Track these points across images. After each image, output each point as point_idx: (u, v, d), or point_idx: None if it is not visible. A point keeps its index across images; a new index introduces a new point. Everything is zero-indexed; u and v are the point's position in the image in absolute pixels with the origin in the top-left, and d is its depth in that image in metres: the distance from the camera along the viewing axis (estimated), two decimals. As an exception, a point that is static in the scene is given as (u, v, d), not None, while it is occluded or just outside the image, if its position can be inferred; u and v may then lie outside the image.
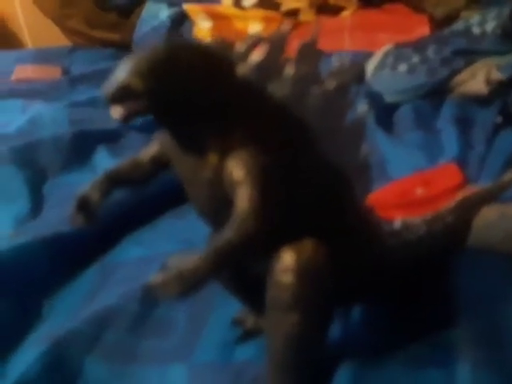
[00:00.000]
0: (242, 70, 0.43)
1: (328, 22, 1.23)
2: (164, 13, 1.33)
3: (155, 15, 1.33)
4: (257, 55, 0.43)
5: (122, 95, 0.40)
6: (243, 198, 0.40)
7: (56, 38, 1.46)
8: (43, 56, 1.30)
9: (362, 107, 0.47)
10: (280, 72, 0.44)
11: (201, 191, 0.43)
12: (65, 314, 0.58)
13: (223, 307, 0.54)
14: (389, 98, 0.93)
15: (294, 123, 0.44)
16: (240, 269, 0.47)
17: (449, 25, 1.08)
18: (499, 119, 0.83)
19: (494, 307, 0.49)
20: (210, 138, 0.42)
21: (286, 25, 0.44)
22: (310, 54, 0.44)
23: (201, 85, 0.41)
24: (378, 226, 0.50)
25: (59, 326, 0.55)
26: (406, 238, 0.51)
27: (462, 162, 0.74)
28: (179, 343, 0.52)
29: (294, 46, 0.44)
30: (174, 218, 0.69)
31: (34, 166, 0.81)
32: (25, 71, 1.21)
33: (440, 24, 1.14)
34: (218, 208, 0.43)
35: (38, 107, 0.99)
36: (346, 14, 1.29)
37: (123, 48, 1.33)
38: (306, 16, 1.30)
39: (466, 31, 0.99)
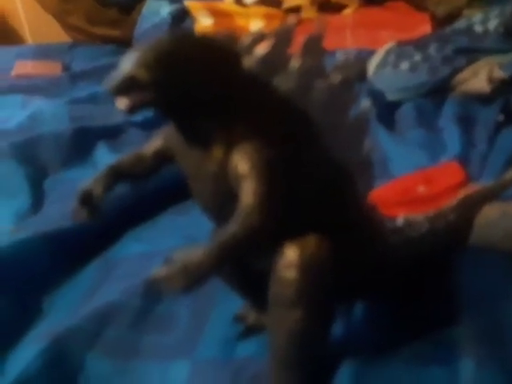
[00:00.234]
0: (248, 63, 0.43)
1: (330, 19, 1.22)
2: (165, 9, 1.33)
3: (156, 12, 1.33)
4: (262, 48, 0.43)
5: (127, 86, 0.40)
6: (248, 192, 0.39)
7: (56, 34, 1.46)
8: (43, 52, 1.29)
9: (365, 103, 0.47)
10: (285, 65, 0.43)
11: (205, 185, 0.43)
12: (65, 310, 0.57)
13: (225, 303, 0.54)
14: (391, 96, 0.92)
15: (299, 117, 0.43)
16: (243, 265, 0.46)
17: (451, 23, 1.08)
18: (501, 117, 0.83)
19: (496, 305, 0.49)
20: (214, 131, 0.42)
21: (292, 19, 0.44)
22: (316, 48, 0.43)
23: (206, 77, 0.41)
24: (380, 222, 0.50)
25: (60, 323, 0.54)
26: (408, 236, 0.51)
27: (463, 160, 0.74)
28: (181, 339, 0.52)
29: (297, 42, 0.44)
30: (176, 214, 0.69)
31: (35, 161, 0.81)
32: (25, 67, 1.21)
33: (442, 22, 1.14)
34: (222, 203, 0.43)
35: (38, 103, 0.99)
36: (347, 11, 1.29)
37: (124, 44, 1.33)
38: (308, 13, 1.30)
39: (468, 29, 0.99)
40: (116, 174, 0.47)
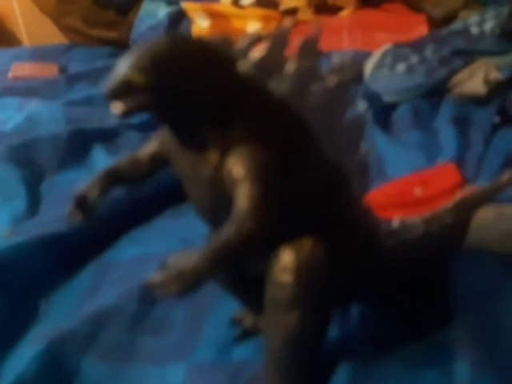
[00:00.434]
0: (243, 66, 0.43)
1: (327, 21, 1.23)
2: (162, 11, 1.33)
3: (153, 13, 1.33)
4: (258, 51, 0.43)
5: (122, 90, 0.40)
6: (243, 196, 0.39)
7: (53, 36, 1.45)
8: (40, 54, 1.29)
9: (361, 105, 0.47)
10: (281, 68, 0.43)
11: (200, 189, 0.43)
12: (62, 313, 0.57)
13: (221, 307, 0.54)
14: (387, 98, 0.92)
15: (295, 120, 0.44)
16: (239, 268, 0.46)
17: (447, 25, 1.09)
18: (497, 119, 0.83)
19: (492, 307, 0.49)
20: (210, 135, 0.42)
21: (288, 22, 0.44)
22: (312, 50, 0.43)
23: (202, 80, 0.41)
24: (376, 225, 0.50)
25: (56, 325, 0.54)
26: (404, 238, 0.51)
27: (460, 161, 0.74)
28: (177, 342, 0.52)
29: (294, 44, 0.44)
30: (172, 218, 0.69)
31: (31, 164, 0.80)
32: (22, 69, 1.21)
33: (438, 24, 1.14)
34: (217, 206, 0.43)
35: (34, 105, 0.98)
36: (344, 13, 1.29)
37: (121, 46, 1.33)
38: (305, 15, 1.30)
39: (465, 31, 1.00)
40: (111, 178, 0.47)
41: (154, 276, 0.38)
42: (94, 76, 1.13)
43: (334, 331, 0.48)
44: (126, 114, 0.41)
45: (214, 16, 1.28)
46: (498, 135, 0.80)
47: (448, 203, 0.54)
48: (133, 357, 0.51)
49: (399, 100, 0.92)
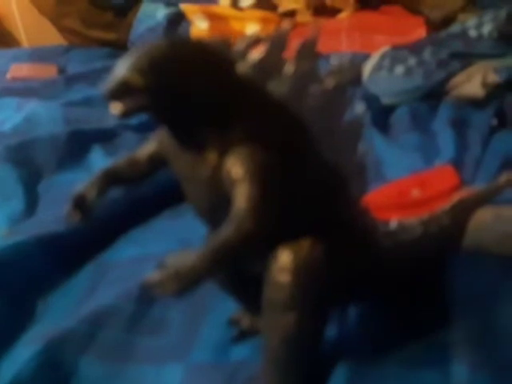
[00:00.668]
0: (242, 67, 0.43)
1: (325, 23, 1.23)
2: (161, 12, 1.33)
3: (152, 15, 1.33)
4: (257, 53, 0.43)
5: (121, 91, 0.40)
6: (241, 197, 0.40)
7: (52, 37, 1.45)
8: (39, 55, 1.29)
9: (359, 107, 0.47)
10: (280, 70, 0.44)
11: (199, 189, 0.43)
12: (60, 313, 0.57)
13: (219, 307, 0.54)
14: (385, 100, 0.93)
15: (293, 122, 0.44)
16: (237, 268, 0.47)
17: (445, 27, 1.09)
18: (495, 121, 0.83)
19: (490, 308, 0.49)
20: (208, 135, 0.42)
21: (287, 24, 0.44)
22: (310, 53, 0.44)
23: (200, 82, 0.41)
24: (374, 226, 0.50)
25: (54, 325, 0.54)
26: (402, 239, 0.51)
27: (457, 163, 0.74)
28: (175, 343, 0.52)
29: (292, 46, 0.44)
30: (170, 218, 0.69)
31: (29, 164, 0.80)
32: (20, 70, 1.21)
33: (437, 26, 1.15)
34: (215, 207, 0.43)
35: (33, 106, 0.98)
36: (343, 15, 1.30)
37: (119, 47, 1.33)
38: (303, 17, 1.30)
39: (463, 34, 1.00)
40: (110, 178, 0.47)
41: (153, 275, 0.38)
42: (93, 77, 1.13)
43: (332, 332, 0.48)
44: (125, 114, 0.41)
45: (213, 18, 1.28)
46: (495, 137, 0.80)
47: (446, 205, 0.54)
48: (131, 357, 0.51)
49: (397, 102, 0.92)
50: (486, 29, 0.98)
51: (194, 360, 0.50)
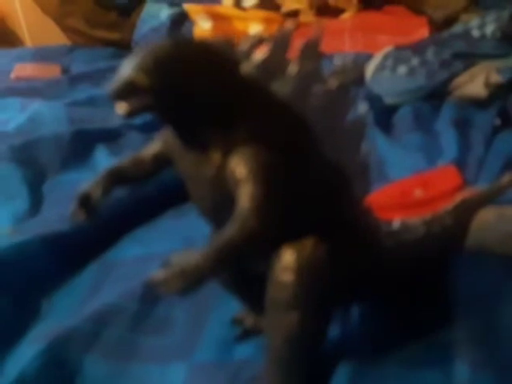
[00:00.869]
0: (246, 67, 0.43)
1: (328, 23, 1.23)
2: (164, 12, 1.33)
3: (156, 15, 1.34)
4: (261, 53, 0.43)
5: (126, 91, 0.40)
6: (245, 196, 0.40)
7: (55, 37, 1.46)
8: (43, 54, 1.30)
9: (362, 107, 0.47)
10: (283, 70, 0.44)
11: (203, 189, 0.44)
12: (64, 311, 0.58)
13: (223, 306, 0.54)
14: (388, 100, 0.93)
15: (297, 121, 0.44)
16: (240, 268, 0.47)
17: (448, 27, 1.09)
18: (498, 121, 0.84)
19: (491, 307, 0.49)
20: (213, 135, 0.42)
21: (290, 24, 0.44)
22: (313, 53, 0.44)
23: (205, 81, 0.41)
24: (376, 226, 0.50)
25: (58, 324, 0.55)
26: (405, 239, 0.51)
27: (460, 163, 0.74)
28: (179, 342, 0.52)
29: (295, 46, 0.44)
30: (174, 217, 0.69)
31: (34, 164, 0.81)
32: (24, 69, 1.21)
33: (439, 26, 1.15)
34: (219, 206, 0.43)
35: (37, 105, 0.99)
36: (346, 15, 1.30)
37: (123, 47, 1.33)
38: (306, 17, 1.30)
39: (466, 34, 1.00)
40: (114, 177, 0.47)
41: (158, 274, 0.38)
42: (97, 77, 1.14)
43: (334, 331, 0.48)
44: (130, 114, 0.41)
45: (216, 18, 1.28)
46: (498, 137, 0.80)
47: (448, 205, 0.54)
48: (135, 355, 0.51)
49: (400, 102, 0.92)
50: (489, 29, 0.98)
51: (197, 359, 0.50)
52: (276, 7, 1.31)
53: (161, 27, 1.30)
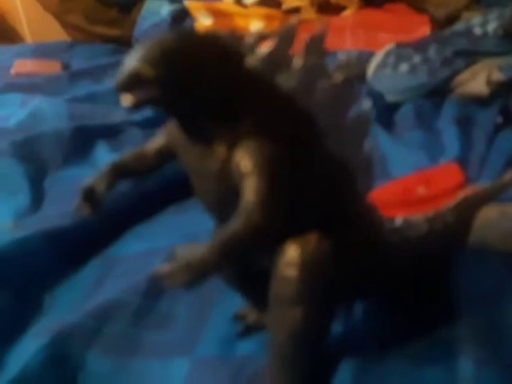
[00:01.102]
0: (251, 61, 0.43)
1: (329, 20, 1.23)
2: (165, 9, 1.33)
3: (156, 11, 1.33)
4: (265, 47, 0.43)
5: (132, 83, 0.40)
6: (250, 190, 0.40)
7: (56, 33, 1.46)
8: (43, 51, 1.29)
9: (366, 103, 0.47)
10: (288, 64, 0.44)
11: (208, 183, 0.43)
12: (66, 307, 0.58)
13: (225, 302, 0.54)
14: (390, 98, 0.93)
15: (302, 115, 0.44)
16: (244, 264, 0.47)
17: (450, 25, 1.09)
18: (500, 119, 0.83)
19: (495, 305, 0.49)
20: (218, 128, 0.42)
21: (294, 19, 0.44)
22: (318, 47, 0.44)
23: (210, 74, 0.41)
24: (380, 222, 0.50)
25: (61, 319, 0.55)
26: (407, 236, 0.51)
27: (462, 161, 0.74)
28: (181, 337, 0.52)
29: (299, 41, 0.44)
30: (176, 213, 0.69)
31: (35, 160, 0.81)
32: (24, 65, 1.21)
33: (441, 24, 1.15)
34: (224, 200, 0.43)
35: (37, 102, 0.99)
36: (347, 13, 1.30)
37: (124, 44, 1.33)
38: (307, 14, 1.30)
39: (467, 32, 1.00)
40: (118, 172, 0.47)
41: (163, 267, 0.38)
42: (97, 73, 1.14)
43: (338, 328, 0.48)
44: (136, 106, 0.41)
45: (217, 14, 1.28)
46: (500, 135, 0.80)
47: (451, 202, 0.54)
48: (137, 351, 0.51)
49: (402, 100, 0.92)
50: (491, 27, 0.98)
51: (200, 354, 0.50)
52: (277, 4, 1.31)
53: (161, 24, 1.30)
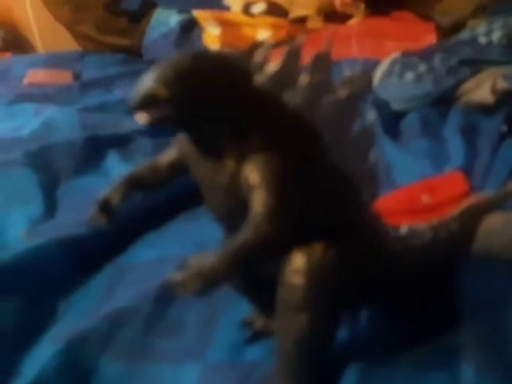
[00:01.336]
0: (260, 79, 0.45)
1: (336, 29, 1.24)
2: (173, 19, 1.35)
3: (165, 21, 1.35)
4: (273, 65, 0.45)
5: (147, 103, 0.42)
6: (259, 202, 0.41)
7: (67, 43, 1.48)
8: (55, 61, 1.31)
9: (371, 115, 0.49)
10: (295, 82, 0.45)
11: (218, 195, 0.45)
12: (80, 313, 0.59)
13: (234, 309, 0.55)
14: (396, 106, 0.94)
15: (308, 131, 0.45)
16: (252, 272, 0.48)
17: (456, 33, 1.10)
18: (504, 128, 0.84)
19: (498, 311, 0.50)
20: (227, 144, 0.43)
21: (300, 38, 0.46)
22: (324, 64, 0.45)
23: (222, 94, 0.43)
24: (384, 231, 0.51)
25: (74, 326, 0.56)
26: (412, 244, 0.52)
27: (467, 170, 0.75)
28: (192, 343, 0.53)
29: (306, 53, 0.46)
30: (187, 221, 0.70)
31: (48, 169, 0.82)
32: (37, 75, 1.23)
33: (447, 32, 1.15)
34: (233, 212, 0.45)
35: (50, 111, 1.00)
36: (353, 21, 1.31)
37: (133, 53, 1.35)
38: (314, 23, 1.31)
39: (473, 40, 1.01)
40: (132, 184, 0.49)
41: (175, 275, 0.40)
42: (108, 83, 1.15)
43: (343, 334, 0.49)
44: (150, 124, 0.43)
45: (225, 24, 1.30)
46: (505, 144, 0.80)
47: (455, 211, 0.55)
48: (149, 356, 0.52)
49: (408, 108, 0.93)
50: (496, 36, 0.98)
51: (209, 359, 0.51)
52: (284, 13, 1.33)
53: (170, 33, 1.31)
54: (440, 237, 0.53)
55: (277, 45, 0.47)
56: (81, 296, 0.61)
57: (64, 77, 1.23)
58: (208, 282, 0.39)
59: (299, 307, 0.44)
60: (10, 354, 0.54)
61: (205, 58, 0.44)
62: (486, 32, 1.00)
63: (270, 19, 1.31)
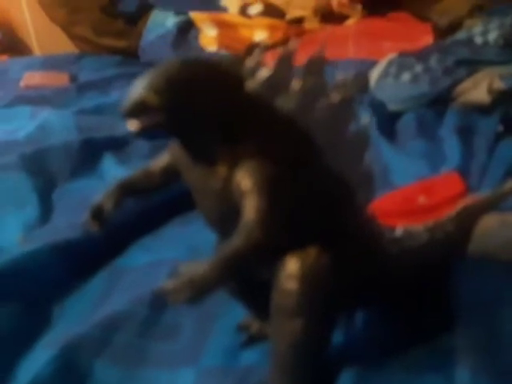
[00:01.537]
0: (252, 84, 0.45)
1: (332, 30, 1.24)
2: (170, 21, 1.35)
3: (162, 23, 1.35)
4: (266, 71, 0.45)
5: (138, 110, 0.42)
6: (250, 208, 0.41)
7: (64, 46, 1.48)
8: (51, 63, 1.31)
9: (365, 118, 0.48)
10: (287, 87, 0.45)
11: (210, 201, 0.45)
12: (75, 318, 0.59)
13: (229, 313, 0.55)
14: (392, 107, 0.94)
15: (301, 136, 0.45)
16: (246, 276, 0.48)
17: (453, 33, 1.10)
18: (501, 128, 0.84)
19: (493, 313, 0.50)
20: (219, 150, 0.43)
21: (293, 43, 0.46)
22: (317, 68, 0.45)
23: (213, 100, 0.43)
24: (380, 233, 0.51)
25: (69, 330, 0.56)
26: (408, 246, 0.52)
27: (463, 170, 0.75)
28: (187, 347, 0.53)
29: (299, 56, 0.46)
30: (180, 225, 0.70)
31: (44, 172, 0.82)
32: (33, 78, 1.23)
33: (444, 33, 1.15)
34: (225, 218, 0.45)
35: (46, 114, 1.00)
36: (350, 22, 1.31)
37: (130, 55, 1.35)
38: (311, 24, 1.31)
39: (469, 41, 1.01)
40: (125, 190, 0.49)
41: (166, 283, 0.40)
42: (104, 85, 1.15)
43: (339, 336, 0.49)
44: (142, 131, 0.43)
45: (222, 25, 1.30)
46: (501, 144, 0.80)
47: (451, 211, 0.55)
48: (144, 361, 0.52)
49: (404, 109, 0.93)
50: (492, 36, 0.98)
51: (205, 364, 0.51)
52: (281, 14, 1.33)
53: (167, 35, 1.31)
54: (436, 238, 0.53)
55: (273, 46, 0.46)
56: (76, 300, 0.61)
57: (61, 79, 1.22)
58: (200, 290, 0.39)
59: (293, 312, 0.44)
60: (5, 359, 0.54)
61: (195, 65, 0.44)
62: (483, 32, 1.00)
63: (267, 20, 1.31)
